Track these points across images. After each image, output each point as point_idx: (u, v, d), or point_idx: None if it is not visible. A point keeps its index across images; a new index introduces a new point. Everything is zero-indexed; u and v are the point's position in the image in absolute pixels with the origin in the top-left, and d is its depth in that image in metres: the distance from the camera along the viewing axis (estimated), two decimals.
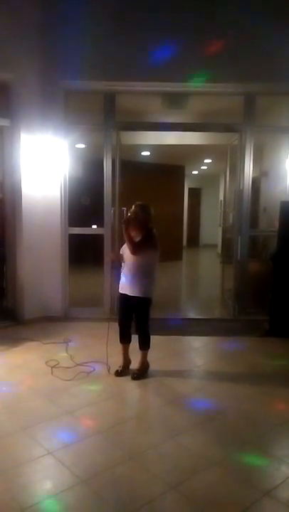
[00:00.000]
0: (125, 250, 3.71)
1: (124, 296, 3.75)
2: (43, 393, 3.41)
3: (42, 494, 2.28)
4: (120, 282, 3.78)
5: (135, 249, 3.58)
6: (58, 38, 4.99)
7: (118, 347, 3.84)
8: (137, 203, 3.71)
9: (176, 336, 4.88)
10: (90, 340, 4.61)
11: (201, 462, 2.56)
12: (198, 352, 4.58)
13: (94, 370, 3.85)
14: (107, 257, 4.80)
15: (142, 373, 3.76)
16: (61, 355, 4.21)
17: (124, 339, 3.83)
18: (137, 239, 3.63)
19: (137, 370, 3.78)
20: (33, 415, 3.06)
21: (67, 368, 3.89)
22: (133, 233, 3.65)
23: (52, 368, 3.89)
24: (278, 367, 4.14)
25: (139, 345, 3.78)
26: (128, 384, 3.65)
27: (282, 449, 2.75)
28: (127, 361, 3.86)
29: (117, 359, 3.90)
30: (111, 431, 2.89)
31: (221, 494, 2.31)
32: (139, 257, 3.61)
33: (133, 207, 3.69)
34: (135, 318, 3.77)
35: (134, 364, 3.83)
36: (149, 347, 3.79)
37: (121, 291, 3.77)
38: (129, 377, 3.73)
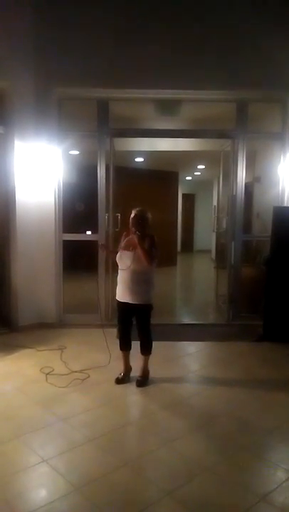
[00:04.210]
0: (124, 258, 3.59)
1: (123, 305, 3.67)
2: (38, 400, 3.40)
3: (37, 502, 2.26)
4: (118, 291, 3.68)
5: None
6: (51, 45, 5.02)
7: (114, 353, 3.83)
8: (137, 208, 3.64)
9: (171, 342, 4.87)
10: (84, 347, 4.60)
11: (196, 467, 2.56)
12: (192, 357, 4.59)
13: (89, 376, 3.84)
14: (101, 249, 4.69)
15: (145, 379, 3.74)
16: (56, 362, 4.20)
17: (125, 347, 3.79)
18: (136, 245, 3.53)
19: (141, 376, 3.75)
20: (28, 423, 3.05)
21: (62, 375, 3.88)
22: (130, 237, 3.58)
23: (46, 375, 3.88)
24: (272, 371, 4.15)
25: (142, 350, 3.73)
26: (123, 390, 3.64)
27: (278, 454, 2.76)
28: (128, 368, 3.82)
29: (115, 365, 3.90)
30: (106, 438, 2.88)
31: (217, 500, 2.31)
32: (140, 265, 3.52)
33: (134, 212, 3.60)
34: (137, 325, 3.70)
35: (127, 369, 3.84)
36: (150, 352, 3.75)
37: (120, 299, 3.68)
38: (126, 384, 3.72)
